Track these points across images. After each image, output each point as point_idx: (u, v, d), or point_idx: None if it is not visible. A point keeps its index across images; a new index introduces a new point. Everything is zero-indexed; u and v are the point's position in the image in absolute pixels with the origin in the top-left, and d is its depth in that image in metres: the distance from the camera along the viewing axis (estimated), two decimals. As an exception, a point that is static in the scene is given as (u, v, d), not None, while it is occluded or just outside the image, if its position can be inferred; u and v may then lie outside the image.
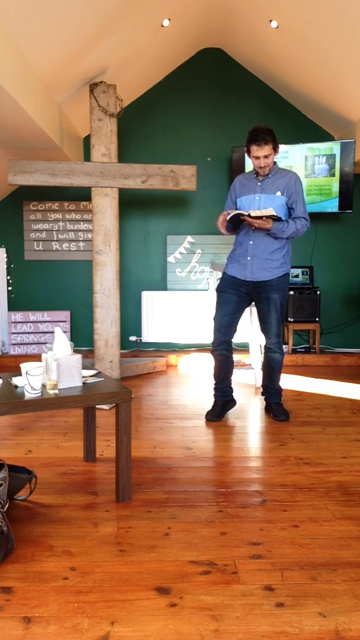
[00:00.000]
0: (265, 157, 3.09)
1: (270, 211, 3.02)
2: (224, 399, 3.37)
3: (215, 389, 3.38)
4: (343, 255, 5.39)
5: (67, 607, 1.51)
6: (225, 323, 3.26)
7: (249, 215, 3.03)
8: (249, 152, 3.14)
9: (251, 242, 3.19)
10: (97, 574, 1.67)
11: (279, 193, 3.16)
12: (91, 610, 1.50)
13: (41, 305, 5.36)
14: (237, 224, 3.24)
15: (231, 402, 3.41)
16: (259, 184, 3.20)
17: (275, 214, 3.02)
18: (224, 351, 3.29)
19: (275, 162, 3.22)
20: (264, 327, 3.30)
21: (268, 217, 3.03)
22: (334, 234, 5.37)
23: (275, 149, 3.13)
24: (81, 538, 1.89)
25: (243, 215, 3.04)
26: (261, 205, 3.14)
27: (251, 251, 3.19)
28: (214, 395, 3.39)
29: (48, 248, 5.30)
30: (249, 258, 3.20)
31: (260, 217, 3.03)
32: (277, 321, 3.26)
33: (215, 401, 3.38)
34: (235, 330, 3.30)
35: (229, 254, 3.36)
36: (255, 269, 3.19)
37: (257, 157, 3.10)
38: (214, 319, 3.31)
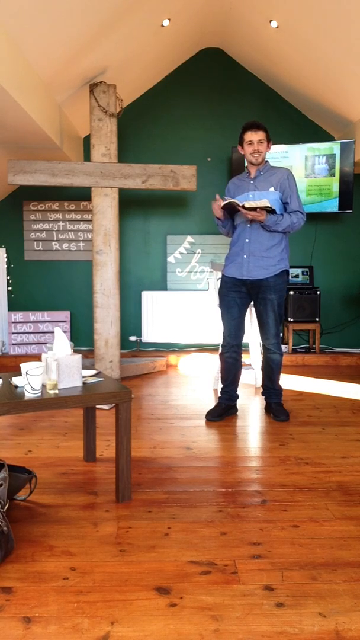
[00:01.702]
0: (260, 142, 3.11)
1: (264, 202, 3.02)
2: (228, 402, 3.37)
3: (222, 391, 3.39)
4: (343, 255, 5.39)
5: (67, 607, 1.51)
6: (234, 327, 3.29)
7: (243, 206, 3.03)
8: (242, 142, 3.17)
9: (247, 240, 3.19)
10: (97, 574, 1.67)
11: (272, 189, 3.17)
12: (91, 610, 1.50)
13: (41, 305, 5.36)
14: (231, 222, 3.24)
15: (233, 409, 3.41)
16: (252, 182, 3.20)
17: (269, 206, 3.02)
18: (233, 354, 3.32)
19: (267, 161, 3.23)
20: (262, 328, 3.30)
21: (262, 208, 3.03)
22: (334, 234, 5.37)
23: (269, 142, 3.17)
24: (81, 538, 1.89)
25: (237, 205, 3.03)
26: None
27: (247, 249, 3.19)
28: (219, 397, 3.40)
29: (48, 248, 5.30)
30: (245, 256, 3.19)
31: (254, 209, 3.03)
32: (275, 322, 3.26)
33: (219, 402, 3.38)
34: (244, 332, 3.35)
35: (226, 254, 3.36)
36: (252, 267, 3.18)
37: (251, 142, 3.12)
38: (222, 323, 3.33)
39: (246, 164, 3.27)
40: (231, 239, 3.32)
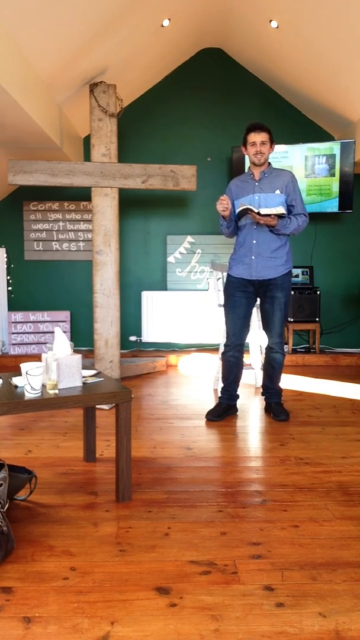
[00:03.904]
0: (262, 143, 3.12)
1: (280, 210, 3.06)
2: (228, 402, 3.37)
3: (222, 391, 3.39)
4: (343, 255, 5.39)
5: (67, 607, 1.51)
6: (239, 327, 3.29)
7: (258, 213, 3.04)
8: (245, 144, 3.18)
9: (254, 241, 3.20)
10: (97, 574, 1.67)
11: (278, 191, 3.17)
12: (91, 610, 1.50)
13: (41, 305, 5.36)
14: (235, 223, 3.25)
15: (233, 409, 3.41)
16: (257, 183, 3.20)
17: (284, 213, 3.07)
18: (236, 353, 3.33)
19: (269, 163, 3.23)
20: (267, 326, 3.30)
21: (277, 215, 3.07)
22: (334, 234, 5.37)
23: (272, 144, 3.18)
24: (81, 538, 1.89)
25: (252, 211, 3.04)
26: (261, 204, 3.15)
27: (255, 250, 3.20)
28: (220, 397, 3.40)
29: (48, 248, 5.30)
30: (253, 257, 3.20)
31: (269, 215, 3.05)
32: (281, 321, 3.27)
33: (219, 402, 3.38)
34: (248, 332, 3.35)
35: (231, 255, 3.36)
36: (260, 268, 3.20)
37: (254, 144, 3.13)
38: (226, 322, 3.33)
39: (248, 165, 3.26)
40: (236, 240, 3.32)
